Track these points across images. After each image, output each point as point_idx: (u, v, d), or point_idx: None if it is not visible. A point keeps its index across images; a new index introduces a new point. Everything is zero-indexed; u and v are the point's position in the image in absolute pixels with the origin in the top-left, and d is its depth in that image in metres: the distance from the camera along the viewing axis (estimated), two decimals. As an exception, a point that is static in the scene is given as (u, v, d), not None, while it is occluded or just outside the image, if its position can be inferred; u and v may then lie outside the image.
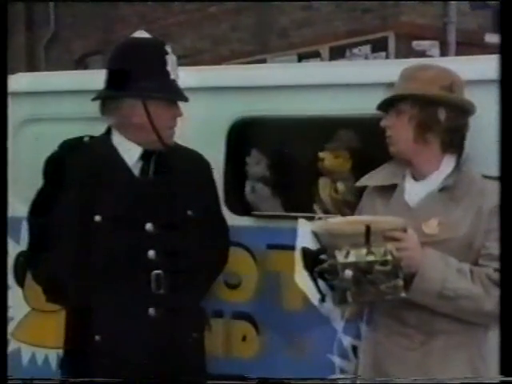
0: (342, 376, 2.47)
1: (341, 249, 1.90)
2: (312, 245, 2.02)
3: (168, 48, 2.23)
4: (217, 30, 10.54)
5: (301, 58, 9.48)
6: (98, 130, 2.36)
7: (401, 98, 2.10)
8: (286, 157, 2.92)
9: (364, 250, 1.88)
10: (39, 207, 2.29)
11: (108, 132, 2.30)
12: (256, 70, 3.00)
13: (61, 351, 2.49)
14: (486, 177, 2.08)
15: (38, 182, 2.37)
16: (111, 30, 12.04)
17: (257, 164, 2.85)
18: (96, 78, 3.00)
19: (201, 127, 2.60)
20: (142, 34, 2.28)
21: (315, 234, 2.02)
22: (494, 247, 1.98)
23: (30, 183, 2.42)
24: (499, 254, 1.95)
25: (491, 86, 2.05)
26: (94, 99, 2.25)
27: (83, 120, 2.70)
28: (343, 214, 2.41)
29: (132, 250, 2.19)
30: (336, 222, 2.04)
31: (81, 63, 12.88)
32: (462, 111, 2.09)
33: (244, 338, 2.62)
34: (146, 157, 2.25)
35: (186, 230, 2.25)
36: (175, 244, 2.23)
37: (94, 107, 2.72)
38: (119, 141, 2.26)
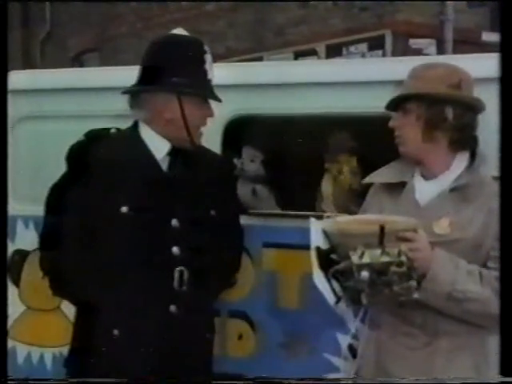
0: (340, 376, 2.47)
1: (353, 249, 1.88)
2: (324, 244, 2.00)
3: (206, 47, 2.24)
4: (213, 27, 10.51)
5: (297, 55, 9.47)
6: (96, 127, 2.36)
7: (408, 98, 2.09)
8: (282, 155, 2.92)
9: (378, 251, 1.86)
10: (61, 194, 2.28)
11: (135, 126, 2.29)
12: (252, 68, 2.99)
13: (56, 350, 2.49)
14: (496, 178, 2.05)
15: (33, 179, 2.38)
16: (107, 28, 12.01)
17: (253, 161, 2.85)
18: (92, 76, 3.03)
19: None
20: (180, 31, 2.27)
21: (325, 233, 1.99)
22: None
23: (25, 181, 2.42)
24: (499, 254, 1.94)
25: (490, 84, 2.04)
26: (126, 92, 2.23)
27: (81, 118, 2.70)
28: (345, 209, 2.40)
29: (156, 244, 2.18)
30: (347, 221, 2.01)
31: (77, 60, 12.85)
32: (470, 109, 2.08)
33: (240, 337, 2.62)
34: (173, 153, 2.24)
35: (208, 230, 2.24)
36: (199, 242, 2.22)
37: (92, 105, 2.72)
38: (148, 135, 2.24)
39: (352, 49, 9.09)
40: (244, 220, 2.59)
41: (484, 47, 7.23)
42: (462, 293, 1.95)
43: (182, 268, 2.18)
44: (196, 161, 2.25)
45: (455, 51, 7.99)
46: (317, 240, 2.00)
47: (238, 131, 2.73)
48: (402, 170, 2.17)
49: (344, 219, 2.03)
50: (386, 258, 1.86)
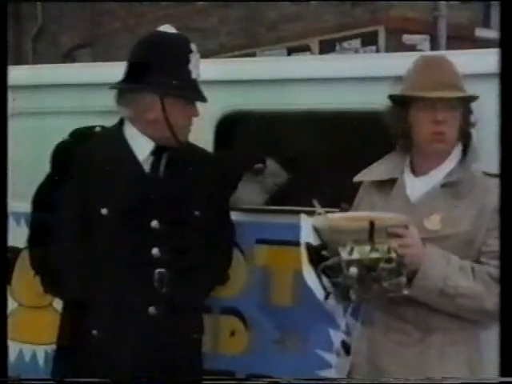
0: (333, 372, 2.47)
1: (343, 245, 1.88)
2: (314, 240, 2.00)
3: (193, 46, 2.21)
4: (205, 23, 10.49)
5: (290, 51, 9.46)
6: (84, 124, 2.34)
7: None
8: (274, 151, 2.92)
9: (368, 247, 1.86)
10: (45, 195, 2.26)
11: (120, 123, 2.27)
12: (245, 64, 2.98)
13: (48, 348, 2.48)
14: (486, 174, 2.06)
15: (28, 175, 2.36)
16: (99, 24, 11.97)
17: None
18: (92, 71, 3.00)
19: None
20: (167, 28, 2.25)
21: (316, 230, 1.99)
22: (495, 245, 1.96)
23: (17, 178, 2.39)
24: (499, 251, 1.93)
25: (484, 79, 2.04)
26: (111, 88, 2.22)
27: (81, 114, 2.69)
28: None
29: (136, 246, 2.17)
30: (337, 217, 2.01)
31: (68, 56, 12.80)
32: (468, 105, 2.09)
33: (232, 334, 2.61)
34: (157, 152, 2.22)
35: (191, 230, 2.22)
36: (180, 243, 2.20)
37: (91, 101, 2.69)
38: (132, 134, 2.23)
39: (345, 45, 9.09)
40: (237, 216, 2.58)
41: (477, 43, 7.24)
42: (454, 288, 1.95)
43: (162, 270, 2.17)
44: (182, 159, 2.23)
45: (449, 47, 8.01)
46: (307, 236, 2.00)
47: (231, 128, 2.72)
48: (392, 166, 2.16)
49: (335, 216, 2.02)
50: (375, 254, 1.86)
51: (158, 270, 2.17)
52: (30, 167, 2.56)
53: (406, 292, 1.90)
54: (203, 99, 2.22)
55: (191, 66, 2.18)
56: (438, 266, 1.95)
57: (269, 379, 2.42)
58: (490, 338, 2.02)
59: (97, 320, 2.16)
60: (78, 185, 2.17)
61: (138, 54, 2.22)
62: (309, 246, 1.99)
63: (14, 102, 2.19)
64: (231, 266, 2.46)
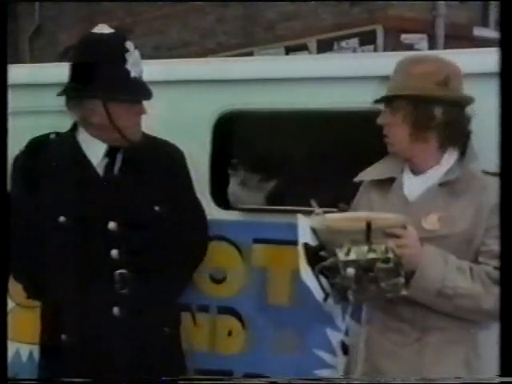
0: (331, 372, 2.46)
1: (340, 245, 1.87)
2: (311, 241, 1.99)
3: (128, 45, 2.16)
4: (203, 22, 10.47)
5: (288, 50, 9.45)
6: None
7: (394, 98, 2.07)
8: (272, 151, 2.91)
9: (365, 248, 1.85)
10: (10, 206, 2.21)
11: (73, 128, 2.26)
12: (243, 63, 2.97)
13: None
14: (485, 173, 2.05)
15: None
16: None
17: (242, 159, 2.84)
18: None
19: (186, 120, 2.58)
20: (102, 28, 2.20)
21: (313, 230, 1.99)
22: (494, 244, 1.95)
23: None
24: (499, 251, 1.92)
25: (483, 79, 2.03)
26: (58, 94, 2.19)
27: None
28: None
29: (95, 249, 2.17)
30: (335, 218, 2.00)
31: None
32: (458, 105, 2.06)
33: (229, 333, 2.61)
34: (111, 154, 2.21)
35: (152, 227, 2.21)
36: (140, 243, 2.20)
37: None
38: (84, 138, 2.22)
39: (343, 44, 9.08)
40: (234, 215, 2.58)
41: (475, 42, 7.24)
42: (452, 289, 1.94)
43: (122, 271, 2.17)
44: (137, 156, 2.21)
45: (447, 46, 8.00)
46: (304, 236, 2.00)
47: (229, 127, 2.71)
48: (391, 166, 2.15)
49: (332, 216, 2.01)
50: (372, 255, 1.85)
51: (118, 272, 2.17)
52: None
53: (404, 292, 1.90)
54: (147, 97, 2.18)
55: (129, 65, 2.13)
56: (435, 267, 1.94)
57: (266, 379, 2.41)
58: (490, 337, 2.01)
59: (65, 325, 2.18)
60: (36, 195, 2.18)
61: (76, 58, 2.20)
62: (306, 247, 1.98)
63: (14, 101, 2.19)
64: (227, 264, 2.47)
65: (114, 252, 2.17)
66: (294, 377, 2.26)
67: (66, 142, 2.24)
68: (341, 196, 2.26)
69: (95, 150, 2.20)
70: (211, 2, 10.32)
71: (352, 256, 1.86)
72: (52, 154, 2.23)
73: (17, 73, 2.46)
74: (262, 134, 2.88)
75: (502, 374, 1.82)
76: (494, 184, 1.99)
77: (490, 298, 1.93)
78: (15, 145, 2.28)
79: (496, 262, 1.94)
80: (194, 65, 2.86)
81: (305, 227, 2.00)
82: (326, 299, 1.97)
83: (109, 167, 2.21)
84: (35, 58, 12.85)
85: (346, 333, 2.42)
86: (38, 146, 2.25)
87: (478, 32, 8.39)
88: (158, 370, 2.18)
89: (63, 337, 2.17)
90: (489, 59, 2.01)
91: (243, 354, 2.59)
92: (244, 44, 9.94)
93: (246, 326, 2.59)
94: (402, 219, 1.95)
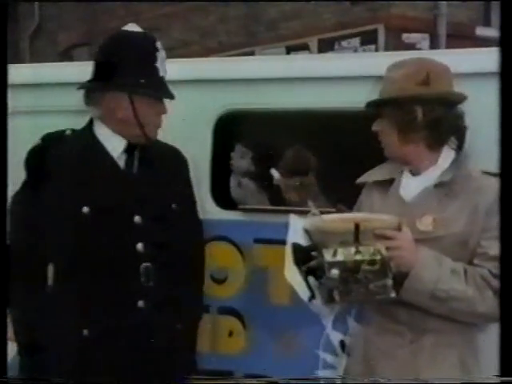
0: (332, 373, 2.46)
1: (331, 247, 1.88)
2: (303, 241, 1.99)
3: (158, 44, 2.23)
4: (204, 21, 10.48)
5: (289, 50, 9.45)
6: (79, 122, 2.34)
7: (380, 103, 2.07)
8: (273, 150, 2.91)
9: (352, 249, 1.86)
10: (24, 200, 2.26)
11: (90, 124, 2.29)
12: (244, 63, 2.97)
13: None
14: (485, 173, 2.04)
15: (24, 176, 2.34)
16: (97, 22, 11.94)
17: (243, 158, 2.84)
18: (81, 71, 2.99)
19: (187, 120, 2.58)
20: (133, 27, 2.26)
21: (306, 231, 1.99)
22: (489, 246, 1.94)
23: (16, 177, 2.38)
24: (496, 253, 1.91)
25: (485, 79, 2.02)
26: (79, 88, 2.24)
27: (71, 112, 2.68)
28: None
29: (121, 242, 2.18)
30: (327, 219, 2.00)
31: (66, 55, 12.78)
32: (441, 103, 2.03)
33: (230, 334, 2.61)
34: (129, 150, 2.25)
35: (171, 223, 2.24)
36: (163, 236, 2.22)
37: (82, 100, 2.68)
38: (103, 133, 2.25)
39: (344, 43, 9.07)
40: (235, 215, 2.58)
41: (478, 42, 7.23)
42: (446, 292, 1.92)
43: (147, 264, 2.19)
44: (152, 155, 2.27)
45: (448, 46, 8.00)
46: (295, 236, 2.00)
47: (229, 127, 2.71)
48: (392, 167, 2.15)
49: (325, 217, 2.01)
50: (358, 256, 1.85)
51: (143, 265, 2.19)
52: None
53: (393, 295, 1.89)
54: (171, 96, 2.24)
55: (158, 64, 2.20)
56: (429, 269, 1.93)
57: (267, 379, 2.41)
58: (489, 338, 2.01)
59: (86, 319, 2.17)
60: (54, 188, 2.18)
61: (106, 54, 2.24)
62: (295, 247, 1.99)
63: (14, 101, 2.19)
64: (228, 264, 2.48)
65: (140, 245, 2.19)
66: (294, 377, 2.26)
67: (84, 137, 2.27)
68: (342, 196, 2.26)
69: (115, 145, 2.23)
70: (212, 2, 10.32)
71: (339, 257, 1.86)
72: (70, 147, 2.25)
73: (17, 73, 2.46)
74: (263, 134, 2.88)
75: (502, 374, 1.82)
76: (490, 184, 1.98)
77: (485, 301, 1.92)
78: (15, 145, 2.28)
79: (491, 265, 1.93)
80: (195, 64, 2.86)
81: (296, 227, 2.00)
82: (311, 299, 1.97)
83: (128, 162, 2.25)
84: (35, 58, 12.85)
85: (346, 333, 2.42)
86: (54, 140, 2.27)
87: (481, 31, 8.39)
88: (167, 367, 2.20)
89: (85, 332, 2.15)
90: (491, 59, 2.00)
91: (244, 354, 2.59)
92: (245, 43, 9.95)
93: (246, 326, 2.59)
94: (396, 220, 1.94)
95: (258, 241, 2.56)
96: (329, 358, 2.50)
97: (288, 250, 2.00)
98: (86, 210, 2.16)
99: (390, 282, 1.87)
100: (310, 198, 2.64)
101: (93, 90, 2.23)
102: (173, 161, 2.34)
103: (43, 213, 2.19)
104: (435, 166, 2.06)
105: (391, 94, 2.03)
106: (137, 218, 2.19)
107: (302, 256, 1.97)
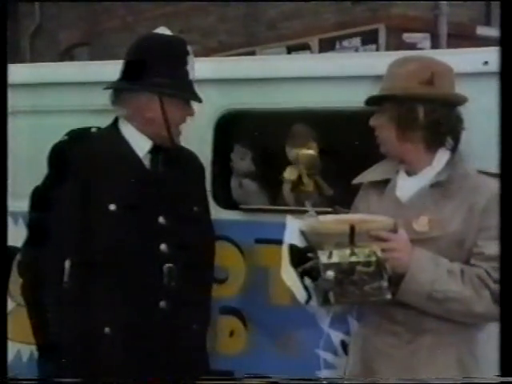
0: (332, 373, 2.46)
1: (326, 248, 1.88)
2: (299, 242, 2.00)
3: (189, 48, 2.25)
4: (205, 21, 10.48)
5: (290, 50, 9.45)
6: (85, 122, 2.34)
7: (382, 97, 2.07)
8: (273, 150, 2.91)
9: (348, 251, 1.86)
10: (45, 195, 2.26)
11: (115, 123, 2.30)
12: (244, 63, 2.96)
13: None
14: (481, 172, 2.04)
15: (24, 175, 2.34)
16: (97, 21, 11.95)
17: (243, 158, 2.84)
18: (84, 70, 2.99)
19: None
20: (164, 30, 2.28)
21: (303, 233, 1.99)
22: (486, 246, 1.93)
23: (16, 177, 2.38)
24: (493, 253, 1.91)
25: (486, 78, 2.02)
26: (107, 88, 2.24)
27: (71, 112, 2.68)
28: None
29: (145, 242, 2.20)
30: (323, 220, 2.00)
31: (66, 54, 12.79)
32: (445, 105, 2.03)
33: (231, 334, 2.61)
34: (154, 151, 2.26)
35: (192, 225, 2.26)
36: (185, 237, 2.24)
37: (82, 100, 2.68)
38: (129, 132, 2.26)
39: (345, 43, 9.07)
40: (236, 215, 2.58)
41: (479, 41, 7.22)
42: (442, 293, 1.92)
43: (170, 264, 2.20)
44: (175, 158, 2.28)
45: (449, 45, 7.99)
46: (291, 237, 2.00)
47: (230, 127, 2.71)
48: (388, 167, 2.15)
49: (321, 218, 2.02)
50: (354, 258, 1.86)
51: (166, 265, 2.20)
52: (29, 166, 2.54)
53: (388, 297, 1.89)
54: (199, 100, 2.26)
55: (188, 68, 2.22)
56: (425, 270, 1.92)
57: (268, 379, 2.41)
58: (486, 338, 2.02)
59: (108, 317, 2.17)
60: (80, 183, 2.18)
61: (137, 54, 2.25)
62: (292, 248, 1.99)
63: (14, 101, 2.19)
64: (229, 264, 2.49)
65: (163, 246, 2.20)
66: (295, 377, 2.26)
67: (110, 135, 2.28)
68: (342, 196, 2.26)
69: (141, 145, 2.24)
70: (212, 2, 10.32)
71: (334, 259, 1.86)
72: (97, 144, 2.26)
73: (17, 72, 2.46)
74: (264, 134, 2.88)
75: (502, 374, 1.82)
76: (486, 184, 1.98)
77: (481, 302, 1.91)
78: (15, 145, 2.29)
79: (487, 265, 1.92)
80: (196, 64, 2.85)
81: (293, 228, 2.01)
82: (308, 301, 1.97)
83: (154, 163, 2.26)
84: (36, 58, 12.85)
85: (347, 332, 2.42)
86: (80, 137, 2.27)
87: (481, 31, 8.38)
88: (185, 367, 2.21)
89: (107, 330, 2.15)
90: (491, 58, 2.00)
91: (245, 354, 2.59)
92: (246, 43, 9.95)
93: (247, 326, 2.59)
94: (391, 222, 1.94)
95: (259, 241, 2.56)
96: (329, 357, 2.50)
97: (284, 251, 2.00)
98: (112, 207, 2.16)
99: (385, 283, 1.87)
100: (310, 196, 2.65)
101: (121, 89, 2.24)
102: (193, 164, 2.37)
103: (66, 208, 2.18)
104: (431, 166, 2.06)
105: (393, 90, 2.03)
106: (161, 219, 2.20)
107: (298, 257, 1.97)
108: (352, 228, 1.86)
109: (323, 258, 1.87)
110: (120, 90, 2.24)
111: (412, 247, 1.94)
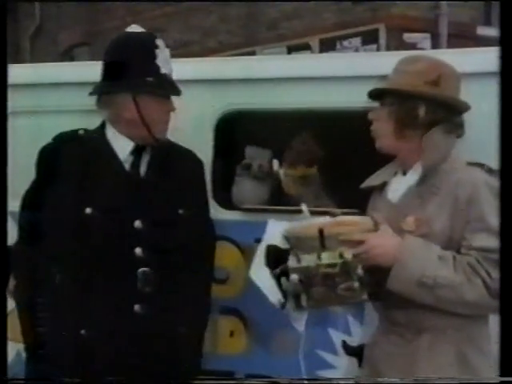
0: (333, 373, 2.46)
1: (304, 251, 1.90)
2: (281, 245, 2.02)
3: (159, 42, 2.23)
4: (205, 21, 10.48)
5: (290, 50, 9.45)
6: (85, 122, 2.33)
7: (385, 92, 2.07)
8: (274, 150, 2.90)
9: (315, 255, 1.89)
10: (32, 198, 2.28)
11: (102, 125, 2.30)
12: (244, 63, 2.96)
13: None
14: (470, 164, 2.04)
15: (23, 175, 2.34)
16: (97, 22, 11.95)
17: (244, 158, 2.83)
18: (81, 70, 2.99)
19: (189, 120, 2.58)
20: (134, 28, 2.28)
21: (284, 236, 2.02)
22: (473, 239, 1.93)
23: (15, 177, 2.38)
24: (480, 245, 1.91)
25: (486, 79, 2.02)
26: (90, 94, 2.25)
27: (71, 112, 2.68)
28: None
29: (119, 245, 2.19)
30: (303, 224, 2.02)
31: (67, 55, 12.79)
32: (445, 106, 2.04)
33: (231, 334, 2.60)
34: (137, 152, 2.25)
35: (175, 229, 2.23)
36: (163, 242, 2.21)
37: (82, 100, 2.68)
38: (112, 134, 2.26)
39: (346, 43, 9.08)
40: (236, 215, 2.58)
41: (479, 41, 7.23)
42: (432, 278, 1.91)
43: (145, 269, 2.19)
44: (164, 158, 2.26)
45: (450, 45, 7.99)
46: (271, 239, 2.01)
47: (231, 127, 2.71)
48: (388, 170, 2.17)
49: (302, 222, 2.04)
50: (319, 261, 1.88)
51: (141, 270, 2.19)
52: (29, 166, 2.53)
53: (364, 297, 1.91)
54: (176, 93, 2.24)
55: (159, 61, 2.19)
56: (415, 256, 1.93)
57: (268, 379, 2.41)
58: (484, 336, 2.02)
59: (84, 319, 2.18)
60: (63, 187, 2.20)
61: (109, 56, 2.26)
62: (270, 249, 2.00)
63: (14, 101, 2.19)
64: (229, 264, 2.47)
65: (138, 250, 2.19)
66: (295, 377, 2.26)
67: (95, 138, 2.28)
68: (342, 196, 2.26)
69: (123, 147, 2.24)
70: (212, 2, 10.32)
71: (303, 263, 1.89)
72: (81, 147, 2.26)
73: (17, 73, 2.46)
74: (265, 133, 2.87)
75: (502, 374, 1.81)
76: (470, 175, 1.98)
77: (472, 289, 1.90)
78: (15, 145, 2.29)
79: (477, 254, 1.91)
80: (195, 64, 2.85)
81: (274, 230, 2.02)
82: (283, 306, 1.99)
83: (135, 165, 2.24)
84: (36, 58, 12.86)
85: (348, 332, 2.42)
86: (67, 139, 2.29)
87: (482, 31, 8.39)
88: (171, 370, 2.20)
89: (83, 332, 2.17)
90: (492, 58, 2.00)
91: (245, 354, 2.59)
92: (246, 43, 9.95)
93: (248, 326, 2.59)
94: (370, 221, 1.96)
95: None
96: (330, 358, 2.50)
97: (261, 251, 2.02)
98: (88, 210, 2.16)
99: (356, 284, 1.88)
100: (310, 193, 2.64)
101: (100, 92, 2.25)
102: (186, 164, 2.33)
103: (49, 212, 2.20)
104: (416, 165, 2.07)
105: (398, 85, 2.03)
106: (137, 223, 2.19)
107: (275, 259, 1.99)
108: (321, 232, 1.88)
109: (292, 262, 1.90)
110: (100, 93, 2.24)
111: (400, 237, 1.95)
